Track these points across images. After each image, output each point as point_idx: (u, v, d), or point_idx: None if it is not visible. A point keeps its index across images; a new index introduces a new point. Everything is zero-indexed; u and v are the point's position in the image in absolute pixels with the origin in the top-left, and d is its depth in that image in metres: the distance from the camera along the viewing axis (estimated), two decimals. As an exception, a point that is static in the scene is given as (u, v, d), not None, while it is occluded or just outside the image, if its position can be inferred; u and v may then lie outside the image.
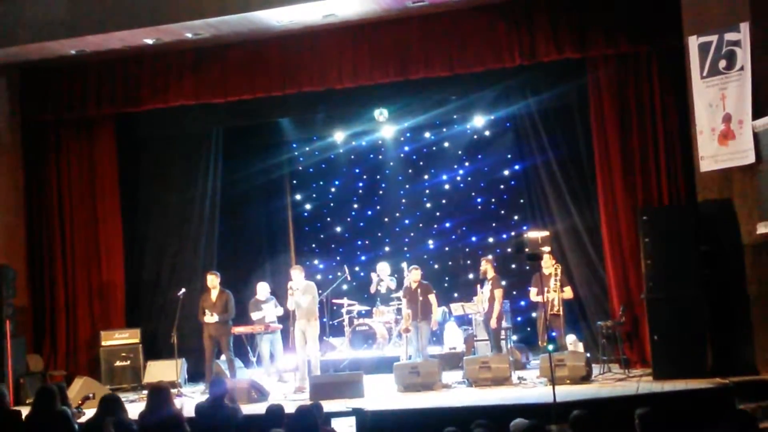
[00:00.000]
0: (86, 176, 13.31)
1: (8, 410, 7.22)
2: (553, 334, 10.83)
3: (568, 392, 9.16)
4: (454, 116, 13.90)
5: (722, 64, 9.90)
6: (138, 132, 13.58)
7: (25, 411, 7.92)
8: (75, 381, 11.50)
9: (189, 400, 10.30)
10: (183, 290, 11.77)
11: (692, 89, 10.23)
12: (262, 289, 12.36)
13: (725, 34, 9.87)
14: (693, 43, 10.10)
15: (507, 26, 11.39)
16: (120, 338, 12.67)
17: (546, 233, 11.23)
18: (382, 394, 10.45)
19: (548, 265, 11.11)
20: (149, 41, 12.03)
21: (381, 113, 13.18)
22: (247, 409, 8.55)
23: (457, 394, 10.26)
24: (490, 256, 12.00)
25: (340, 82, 12.10)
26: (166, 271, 13.46)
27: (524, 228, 13.65)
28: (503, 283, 11.91)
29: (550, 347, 9.40)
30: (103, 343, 12.58)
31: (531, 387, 10.23)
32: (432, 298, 11.65)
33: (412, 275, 11.80)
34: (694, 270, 10.01)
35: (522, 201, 13.84)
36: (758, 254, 9.89)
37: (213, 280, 11.75)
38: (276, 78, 12.29)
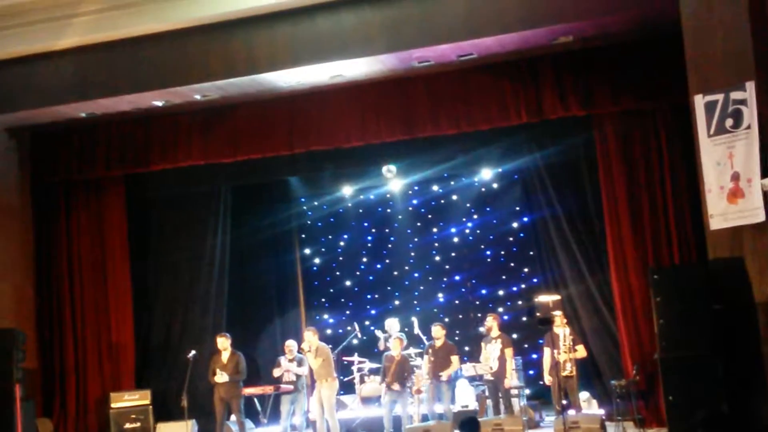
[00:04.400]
0: (96, 237, 13.33)
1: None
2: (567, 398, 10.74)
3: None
4: (462, 170, 13.92)
5: (729, 122, 9.81)
6: (146, 192, 13.62)
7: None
8: (85, 446, 11.45)
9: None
10: (193, 352, 11.72)
11: (699, 147, 10.21)
12: (291, 346, 12.02)
13: (731, 92, 9.78)
14: (699, 102, 10.06)
15: (513, 85, 11.44)
16: (130, 399, 12.56)
17: (557, 297, 11.16)
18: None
19: (559, 324, 11.04)
20: (158, 103, 12.10)
21: (389, 170, 13.24)
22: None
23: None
24: (495, 313, 11.97)
25: (348, 141, 12.17)
26: (175, 332, 13.41)
27: (534, 281, 13.64)
28: (514, 336, 11.84)
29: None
30: (113, 405, 12.47)
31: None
32: (455, 359, 11.58)
33: (435, 333, 11.73)
34: (707, 329, 9.90)
35: (532, 253, 13.78)
36: (771, 313, 9.81)
37: (224, 342, 11.70)
38: (284, 137, 12.34)
